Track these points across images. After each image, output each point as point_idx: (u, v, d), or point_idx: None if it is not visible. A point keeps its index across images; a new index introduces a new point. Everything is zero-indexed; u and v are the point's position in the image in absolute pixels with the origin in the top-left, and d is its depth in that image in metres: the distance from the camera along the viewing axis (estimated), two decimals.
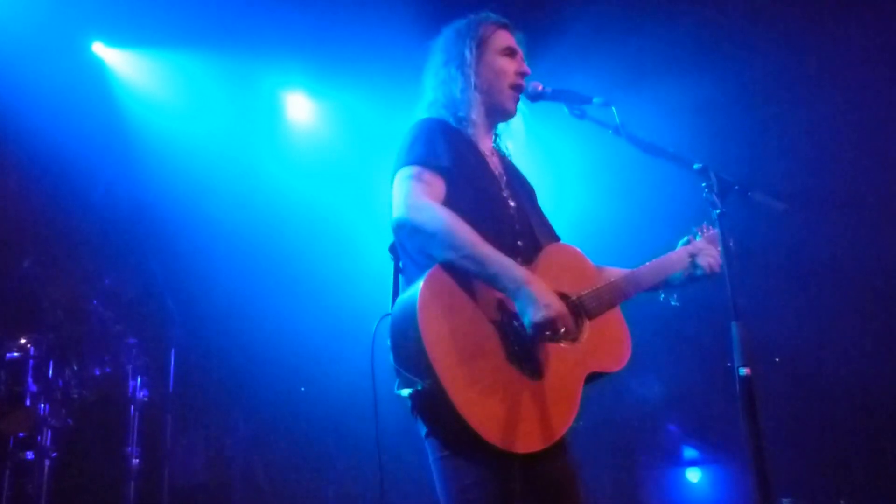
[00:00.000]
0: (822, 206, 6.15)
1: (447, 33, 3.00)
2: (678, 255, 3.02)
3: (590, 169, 6.60)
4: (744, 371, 2.24)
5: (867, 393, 6.13)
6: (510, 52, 2.95)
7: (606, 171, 6.34)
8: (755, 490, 2.16)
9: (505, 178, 2.89)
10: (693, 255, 2.99)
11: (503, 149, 3.06)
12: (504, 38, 2.97)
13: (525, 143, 3.13)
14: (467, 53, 2.89)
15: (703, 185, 2.53)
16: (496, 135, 3.05)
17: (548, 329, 2.43)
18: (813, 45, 5.99)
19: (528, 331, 2.45)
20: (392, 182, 2.67)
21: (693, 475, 6.94)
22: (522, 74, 2.93)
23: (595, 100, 2.78)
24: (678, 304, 3.07)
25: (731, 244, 2.42)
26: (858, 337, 6.19)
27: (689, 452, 7.03)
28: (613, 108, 2.72)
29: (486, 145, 2.94)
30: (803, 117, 6.28)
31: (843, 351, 6.23)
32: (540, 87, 2.90)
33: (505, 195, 2.82)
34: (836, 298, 6.28)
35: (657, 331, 5.85)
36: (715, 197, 2.49)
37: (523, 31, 3.05)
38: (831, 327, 6.24)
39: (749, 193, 2.57)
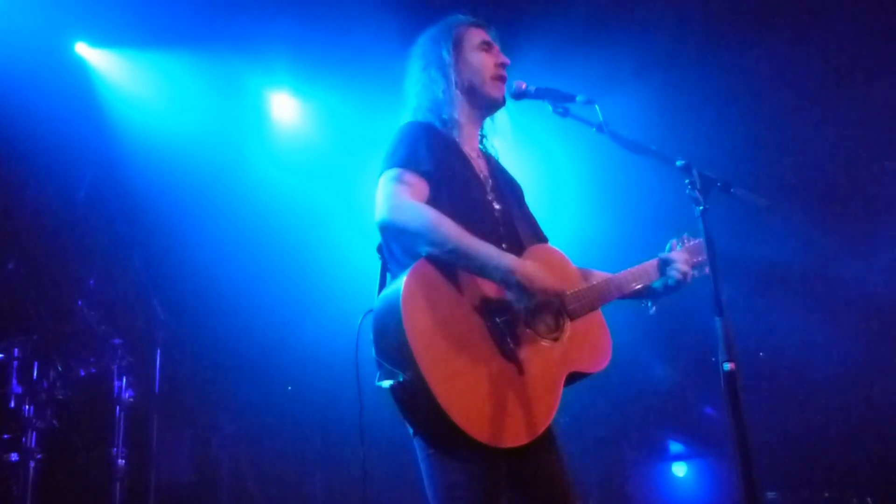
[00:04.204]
0: (803, 203, 6.20)
1: (422, 40, 3.03)
2: (654, 264, 3.02)
3: (577, 166, 6.62)
4: (728, 366, 2.26)
5: (851, 386, 6.18)
6: (487, 47, 2.98)
7: (592, 168, 6.36)
8: (741, 484, 2.18)
9: (490, 181, 2.90)
10: (666, 265, 2.99)
11: (490, 150, 3.07)
12: (478, 35, 3.00)
13: (512, 139, 3.15)
14: (445, 54, 2.92)
15: (686, 181, 2.55)
16: (482, 136, 3.06)
17: (541, 312, 2.50)
18: (802, 43, 6.03)
19: (522, 315, 2.52)
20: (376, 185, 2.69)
21: (679, 469, 6.97)
22: (503, 65, 2.96)
23: (578, 98, 2.79)
24: (653, 312, 3.08)
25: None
26: (842, 331, 6.23)
27: (675, 447, 7.06)
28: (596, 106, 2.74)
29: (472, 147, 2.95)
30: (785, 115, 6.32)
31: (827, 345, 6.27)
32: (524, 86, 2.91)
33: (490, 198, 2.83)
34: (820, 294, 6.33)
35: (642, 325, 5.87)
36: (698, 193, 2.51)
37: (500, 28, 3.08)
38: (815, 321, 6.28)
39: (731, 190, 2.59)
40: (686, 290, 3.09)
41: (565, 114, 2.85)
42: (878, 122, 6.09)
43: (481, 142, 3.05)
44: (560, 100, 2.85)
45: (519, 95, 2.92)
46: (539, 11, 6.06)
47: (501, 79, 2.94)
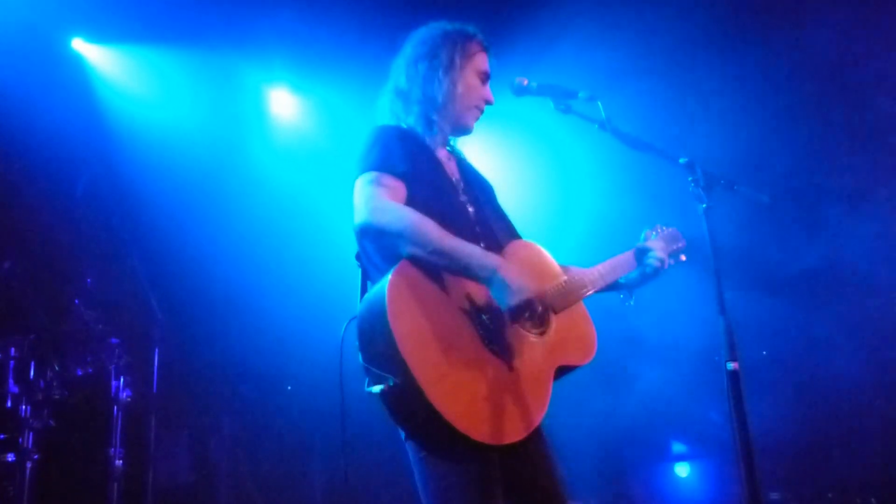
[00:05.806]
0: (804, 201, 6.18)
1: (434, 30, 3.00)
2: (631, 255, 3.08)
3: (575, 164, 6.59)
4: (731, 365, 2.26)
5: (854, 386, 6.15)
6: (485, 78, 2.98)
7: (591, 165, 6.34)
8: (743, 484, 2.16)
9: (462, 183, 2.92)
10: (643, 254, 3.04)
11: (459, 152, 3.07)
12: (484, 63, 2.99)
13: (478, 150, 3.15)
14: (457, 60, 2.90)
15: (690, 179, 2.54)
16: (450, 142, 3.06)
17: (525, 312, 2.50)
18: (806, 41, 6.00)
19: (505, 315, 2.52)
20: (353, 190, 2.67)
21: (682, 470, 6.95)
22: (487, 102, 2.97)
23: (580, 94, 2.79)
24: (633, 303, 3.10)
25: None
26: (845, 330, 6.21)
27: (678, 447, 7.04)
28: (599, 103, 2.73)
29: (441, 151, 2.95)
30: (789, 114, 6.30)
31: (831, 344, 6.25)
32: (525, 82, 2.91)
33: (462, 200, 2.84)
34: (822, 293, 6.30)
35: (644, 325, 5.86)
36: (701, 191, 2.51)
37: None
38: (818, 321, 6.26)
39: (735, 187, 2.59)
40: (688, 290, 3.08)
41: (567, 110, 2.85)
42: (884, 121, 6.06)
43: (448, 144, 3.04)
44: (562, 96, 2.84)
45: (520, 92, 2.91)
46: (542, 6, 6.02)
47: (481, 112, 2.96)
